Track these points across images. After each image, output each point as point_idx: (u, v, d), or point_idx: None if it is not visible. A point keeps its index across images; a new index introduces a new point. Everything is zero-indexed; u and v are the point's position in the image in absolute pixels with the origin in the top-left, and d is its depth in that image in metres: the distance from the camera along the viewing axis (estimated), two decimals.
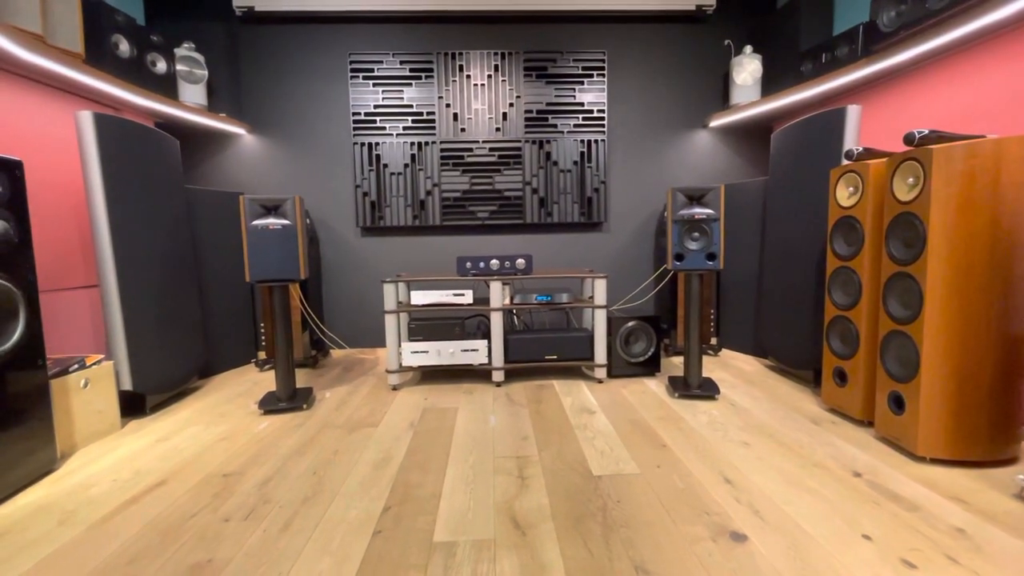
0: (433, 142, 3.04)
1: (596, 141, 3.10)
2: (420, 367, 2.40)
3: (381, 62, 3.00)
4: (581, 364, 2.48)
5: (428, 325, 2.42)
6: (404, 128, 3.04)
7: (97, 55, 2.16)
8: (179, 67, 2.64)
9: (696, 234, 2.08)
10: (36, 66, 1.91)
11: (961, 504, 1.30)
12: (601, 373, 2.43)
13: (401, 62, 3.01)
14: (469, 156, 3.06)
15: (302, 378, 2.63)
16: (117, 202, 1.97)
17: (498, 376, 2.42)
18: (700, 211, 2.06)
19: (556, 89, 3.07)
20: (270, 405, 2.09)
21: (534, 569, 1.08)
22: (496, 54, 3.03)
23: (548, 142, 3.08)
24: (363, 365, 2.86)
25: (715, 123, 3.12)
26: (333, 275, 3.18)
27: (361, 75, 3.01)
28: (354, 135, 3.02)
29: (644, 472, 1.51)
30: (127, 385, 1.98)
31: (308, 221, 2.95)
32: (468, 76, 3.03)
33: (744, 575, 1.05)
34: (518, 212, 3.11)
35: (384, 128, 3.03)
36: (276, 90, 3.05)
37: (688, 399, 2.16)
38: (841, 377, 1.90)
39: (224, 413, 2.10)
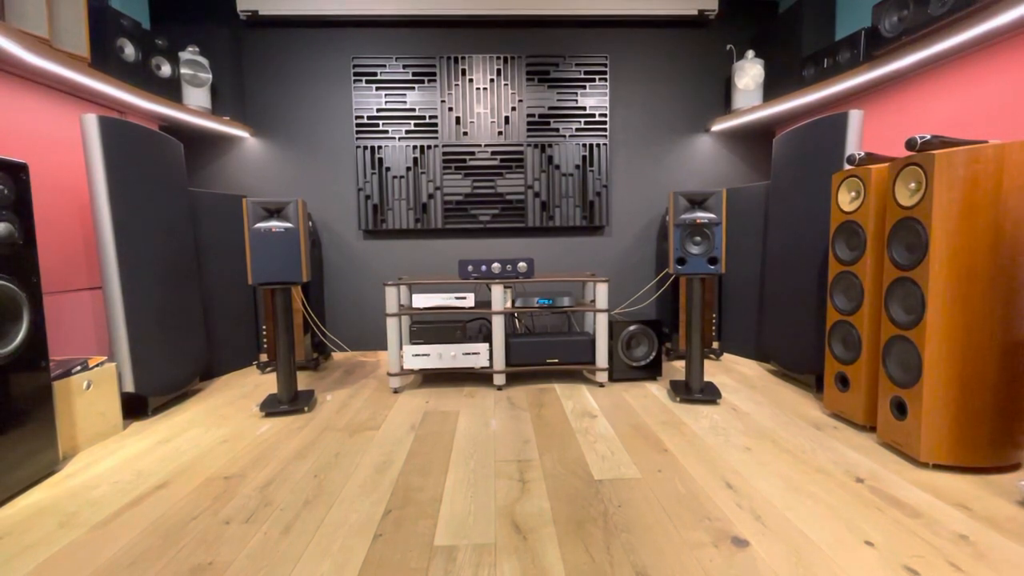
0: (435, 146, 3.05)
1: (598, 145, 3.11)
2: (421, 370, 2.40)
3: (384, 66, 3.02)
4: (582, 368, 2.48)
5: (430, 328, 2.42)
6: (407, 132, 3.05)
7: (102, 59, 2.17)
8: (183, 71, 2.65)
9: (698, 238, 2.08)
10: (42, 69, 1.93)
11: (964, 510, 1.29)
12: (602, 377, 2.43)
13: (404, 66, 3.02)
14: (471, 160, 3.07)
15: (303, 381, 2.63)
16: (121, 204, 1.98)
17: (499, 379, 2.42)
18: (702, 215, 2.06)
19: (558, 93, 3.08)
20: (271, 407, 2.09)
21: (534, 574, 1.08)
22: (499, 58, 3.04)
23: (550, 146, 3.09)
24: (364, 368, 2.86)
25: (717, 127, 3.13)
26: (335, 278, 3.18)
27: (364, 79, 3.02)
28: (357, 138, 3.04)
29: (645, 477, 1.51)
30: (129, 387, 1.98)
31: (310, 224, 2.96)
32: (471, 80, 3.04)
33: None
34: (520, 216, 3.12)
35: (387, 132, 3.04)
36: (280, 93, 3.06)
37: (690, 403, 2.15)
38: (843, 382, 1.89)
39: (226, 415, 2.10)
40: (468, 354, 2.40)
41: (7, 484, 1.42)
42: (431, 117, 3.04)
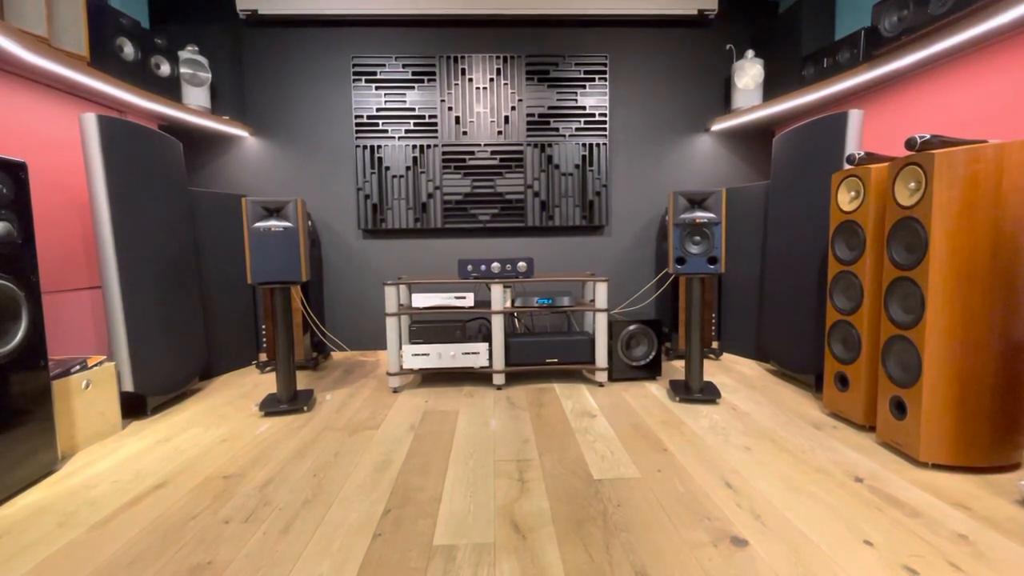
0: (435, 145, 3.05)
1: (598, 145, 3.11)
2: (421, 370, 2.40)
3: (384, 65, 3.01)
4: (582, 367, 2.48)
5: (429, 328, 2.42)
6: (406, 131, 3.04)
7: (102, 58, 2.17)
8: (183, 70, 2.65)
9: (697, 238, 2.08)
10: (41, 68, 1.93)
11: (963, 510, 1.29)
12: (602, 377, 2.43)
13: (404, 65, 3.02)
14: (471, 159, 3.07)
15: (303, 380, 2.63)
16: (120, 204, 1.98)
17: (499, 379, 2.42)
18: (702, 215, 2.06)
19: (558, 93, 3.08)
20: (271, 407, 2.09)
21: (534, 573, 1.08)
22: (498, 57, 3.04)
23: (550, 145, 3.09)
24: (364, 367, 2.86)
25: (717, 127, 3.13)
26: (334, 277, 3.18)
27: (364, 78, 3.02)
28: (356, 138, 3.03)
29: (645, 476, 1.51)
30: (128, 386, 1.98)
31: (310, 223, 2.95)
32: (470, 80, 3.04)
33: None
34: (520, 215, 3.11)
35: (386, 131, 3.04)
36: (279, 93, 3.06)
37: (689, 403, 2.15)
38: (843, 382, 1.89)
39: (225, 415, 2.10)
40: (467, 354, 2.39)
41: (6, 483, 1.42)
42: (431, 117, 3.04)
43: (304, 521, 1.30)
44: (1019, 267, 1.43)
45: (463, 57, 3.02)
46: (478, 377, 2.61)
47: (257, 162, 3.09)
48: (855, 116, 2.06)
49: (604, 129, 3.11)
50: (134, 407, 2.08)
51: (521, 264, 2.43)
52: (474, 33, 3.08)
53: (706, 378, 2.49)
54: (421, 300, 2.40)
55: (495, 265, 2.42)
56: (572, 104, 3.09)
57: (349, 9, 2.90)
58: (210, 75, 2.75)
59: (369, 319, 3.21)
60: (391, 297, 2.35)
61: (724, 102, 3.20)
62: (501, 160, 3.07)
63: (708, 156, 3.24)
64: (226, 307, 2.73)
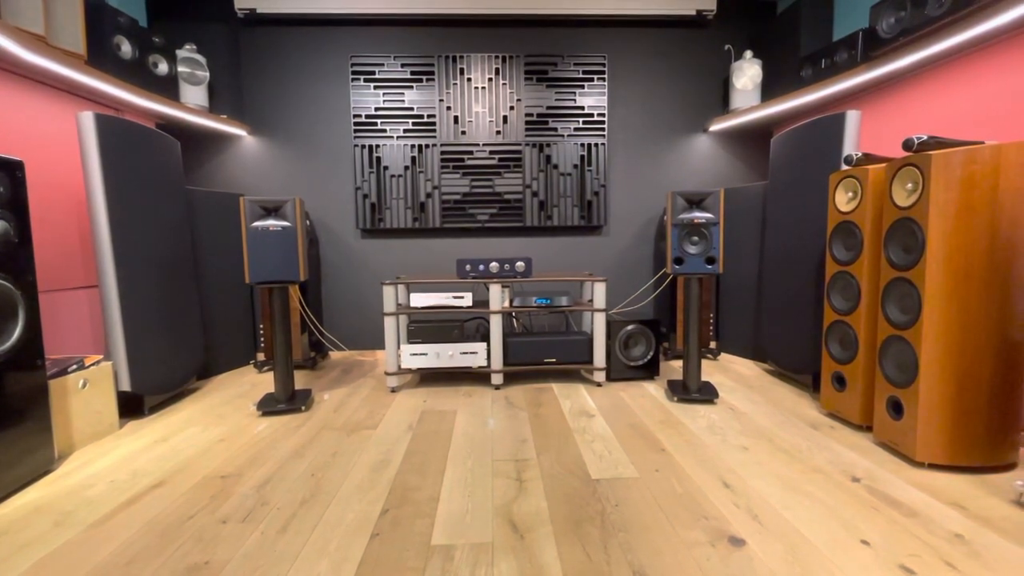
0: (434, 145, 3.04)
1: (596, 145, 3.11)
2: (419, 369, 2.40)
3: (382, 65, 3.01)
4: (580, 367, 2.48)
5: (427, 327, 2.42)
6: (405, 131, 3.04)
7: (99, 56, 2.16)
8: (181, 68, 2.64)
9: (695, 238, 2.08)
10: (38, 67, 1.92)
11: (960, 510, 1.30)
12: (600, 376, 2.43)
13: (402, 65, 3.01)
14: (469, 159, 3.06)
15: (301, 380, 2.63)
16: (117, 203, 1.97)
17: (497, 379, 2.42)
18: (700, 215, 2.06)
19: (556, 92, 3.08)
20: (269, 407, 2.08)
21: (532, 573, 1.08)
22: (497, 57, 3.03)
23: (548, 145, 3.09)
24: (362, 367, 2.86)
25: (715, 127, 3.13)
26: (333, 277, 3.18)
27: (362, 77, 3.01)
28: (355, 137, 3.03)
29: (643, 476, 1.51)
30: (126, 386, 1.98)
31: (308, 223, 2.95)
32: (469, 79, 3.04)
33: None
34: (518, 215, 3.11)
35: (385, 131, 3.04)
36: (277, 92, 3.05)
37: (687, 403, 2.16)
38: (840, 382, 1.90)
39: (223, 414, 2.09)
40: (466, 353, 2.39)
41: (3, 483, 1.42)
42: (429, 116, 3.04)
43: (302, 521, 1.29)
44: (1015, 267, 1.43)
45: (462, 57, 3.02)
46: (476, 377, 2.61)
47: (255, 161, 3.08)
48: (853, 117, 2.07)
49: (602, 129, 3.11)
50: (131, 406, 2.07)
51: (519, 264, 2.43)
52: (473, 33, 3.08)
53: (704, 378, 2.49)
54: (419, 300, 2.40)
55: (493, 265, 2.42)
56: (571, 104, 3.09)
57: (347, 8, 2.89)
58: (208, 74, 2.75)
59: (367, 319, 3.21)
60: (389, 297, 2.35)
61: (722, 102, 3.21)
62: (500, 160, 3.07)
63: (706, 156, 3.24)
64: (224, 306, 2.73)
